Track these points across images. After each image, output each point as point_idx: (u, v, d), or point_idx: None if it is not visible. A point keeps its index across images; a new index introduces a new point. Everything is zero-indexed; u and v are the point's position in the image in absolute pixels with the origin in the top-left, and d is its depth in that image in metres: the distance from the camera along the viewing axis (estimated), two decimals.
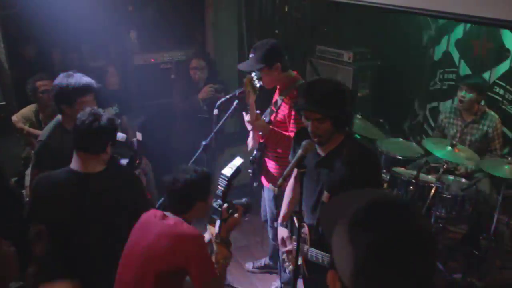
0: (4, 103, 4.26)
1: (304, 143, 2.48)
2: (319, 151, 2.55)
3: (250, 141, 3.54)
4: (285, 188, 3.05)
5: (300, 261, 2.71)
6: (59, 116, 3.13)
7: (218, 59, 5.31)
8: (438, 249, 1.04)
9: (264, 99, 3.52)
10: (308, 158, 2.55)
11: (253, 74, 3.12)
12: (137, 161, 3.19)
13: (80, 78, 3.01)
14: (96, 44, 5.01)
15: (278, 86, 3.38)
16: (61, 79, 3.02)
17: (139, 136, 3.23)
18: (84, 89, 3.01)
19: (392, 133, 4.71)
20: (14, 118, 3.98)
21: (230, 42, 5.40)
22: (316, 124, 2.41)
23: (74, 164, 2.54)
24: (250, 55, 3.19)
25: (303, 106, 2.46)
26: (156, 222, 2.31)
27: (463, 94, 3.99)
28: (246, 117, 3.20)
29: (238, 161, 2.64)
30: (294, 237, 2.73)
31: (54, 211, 2.53)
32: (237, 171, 2.60)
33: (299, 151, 2.47)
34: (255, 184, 3.61)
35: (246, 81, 3.06)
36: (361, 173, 2.36)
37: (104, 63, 4.54)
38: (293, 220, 2.78)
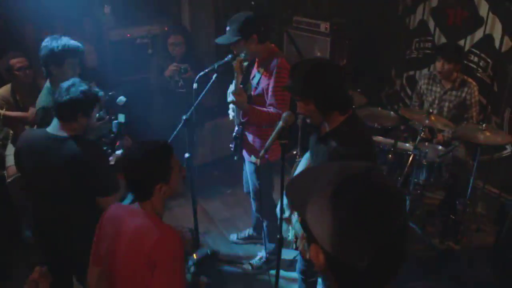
0: None
1: (284, 114, 2.51)
2: (322, 129, 2.55)
3: (231, 113, 3.56)
4: (265, 161, 3.10)
5: (292, 236, 2.78)
6: (47, 82, 3.21)
7: (194, 32, 5.25)
8: (405, 204, 1.13)
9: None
10: (312, 136, 2.63)
11: (242, 55, 3.16)
12: (116, 143, 3.25)
13: (69, 40, 3.11)
14: (69, 19, 4.90)
15: (256, 59, 3.38)
16: (50, 41, 3.09)
17: (121, 117, 3.32)
18: (73, 50, 3.11)
19: (370, 103, 4.76)
20: None
21: (206, 15, 5.34)
22: (301, 105, 2.41)
23: (51, 126, 2.67)
24: (227, 28, 3.17)
25: (287, 87, 2.48)
26: (123, 221, 2.07)
27: (441, 65, 4.03)
28: (230, 89, 3.20)
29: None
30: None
31: (23, 163, 2.74)
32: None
33: (280, 123, 2.50)
34: (235, 158, 3.64)
35: (237, 63, 3.07)
36: (354, 155, 2.32)
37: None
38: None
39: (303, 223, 1.15)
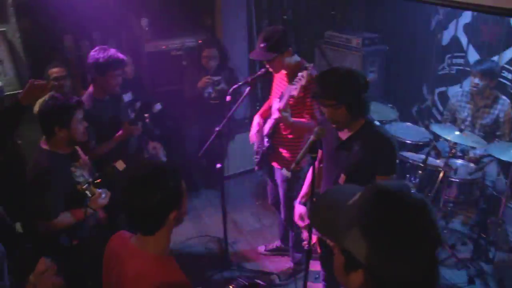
0: (21, 91, 4.33)
1: (316, 129, 2.56)
2: (340, 135, 2.64)
3: (253, 135, 3.62)
4: (298, 171, 3.16)
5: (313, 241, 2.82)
6: (90, 88, 3.41)
7: (227, 45, 5.34)
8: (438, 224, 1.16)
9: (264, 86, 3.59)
10: (330, 142, 2.69)
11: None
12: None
13: (115, 53, 3.30)
14: (108, 31, 5.07)
15: (284, 72, 3.42)
16: (98, 51, 3.29)
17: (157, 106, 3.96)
18: (116, 63, 3.29)
19: (401, 118, 4.77)
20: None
21: (239, 28, 5.43)
22: (332, 110, 2.49)
23: None
24: (261, 45, 3.22)
25: (318, 94, 2.54)
26: (124, 263, 1.82)
27: (476, 81, 4.01)
28: (276, 105, 3.24)
29: None
30: None
31: None
32: None
33: (311, 137, 2.56)
34: (285, 172, 3.68)
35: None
36: (378, 158, 2.47)
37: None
38: (312, 201, 2.86)
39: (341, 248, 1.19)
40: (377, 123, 2.63)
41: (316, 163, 2.99)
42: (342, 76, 2.49)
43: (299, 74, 3.01)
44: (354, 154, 2.55)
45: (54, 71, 3.98)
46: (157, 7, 5.25)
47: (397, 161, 2.71)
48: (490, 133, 4.05)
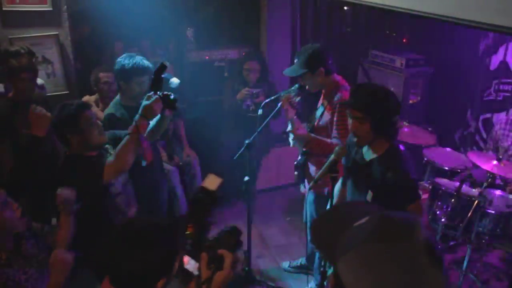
0: (67, 92, 4.54)
1: (336, 148, 2.55)
2: (365, 155, 2.61)
3: (291, 140, 3.63)
4: (319, 190, 3.13)
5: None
6: (118, 95, 3.45)
7: (271, 59, 5.39)
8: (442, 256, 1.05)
9: (313, 100, 3.59)
10: (355, 162, 2.67)
11: (291, 91, 3.27)
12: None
13: (141, 60, 3.31)
14: (156, 39, 5.23)
15: (323, 91, 3.42)
16: (124, 58, 3.32)
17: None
18: (142, 70, 3.28)
19: (442, 143, 4.62)
20: (85, 98, 4.26)
21: (284, 42, 5.46)
22: (356, 123, 2.48)
23: None
24: (295, 60, 3.25)
25: (348, 103, 2.54)
26: None
27: None
28: (289, 127, 3.27)
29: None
30: None
31: None
32: None
33: (332, 156, 2.54)
34: (301, 188, 3.68)
35: (284, 100, 3.14)
36: (396, 188, 2.42)
37: (162, 59, 4.72)
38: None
39: (334, 270, 1.13)
40: (401, 147, 2.57)
41: (339, 184, 2.98)
42: (375, 91, 2.49)
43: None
44: (375, 178, 2.52)
45: (104, 75, 4.13)
46: (204, 18, 5.37)
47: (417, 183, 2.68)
48: None
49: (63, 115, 2.60)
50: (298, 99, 3.20)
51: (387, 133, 2.51)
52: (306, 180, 3.59)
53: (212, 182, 2.12)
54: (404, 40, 5.46)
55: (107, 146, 2.87)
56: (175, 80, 3.69)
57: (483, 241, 3.79)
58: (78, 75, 4.66)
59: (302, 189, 3.51)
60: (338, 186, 2.97)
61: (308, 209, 3.67)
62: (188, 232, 1.79)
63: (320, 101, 3.47)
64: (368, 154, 2.60)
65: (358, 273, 1.05)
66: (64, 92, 4.51)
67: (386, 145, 2.52)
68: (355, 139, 2.55)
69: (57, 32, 4.44)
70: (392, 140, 2.54)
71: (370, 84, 2.70)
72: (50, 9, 4.32)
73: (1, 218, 2.11)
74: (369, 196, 2.57)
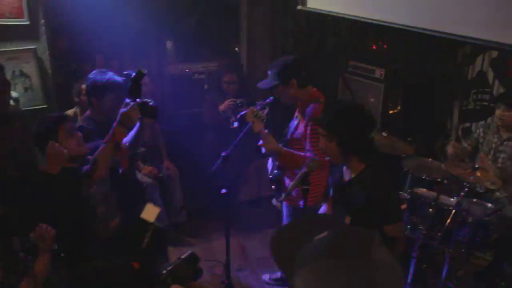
0: (46, 106, 4.51)
1: (307, 161, 2.53)
2: (344, 175, 2.58)
3: (270, 161, 3.61)
4: (295, 203, 3.12)
5: None
6: (88, 112, 3.40)
7: (251, 72, 5.40)
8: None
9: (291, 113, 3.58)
10: (335, 183, 2.65)
11: (257, 105, 3.28)
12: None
13: (113, 76, 3.28)
14: (137, 51, 5.22)
15: (298, 103, 3.41)
16: (95, 74, 3.29)
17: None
18: (114, 86, 3.25)
19: (423, 153, 4.62)
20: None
21: (264, 55, 5.48)
22: (324, 141, 2.45)
23: None
24: (268, 72, 3.25)
25: (317, 120, 2.52)
26: None
27: (502, 112, 3.86)
28: (260, 142, 3.26)
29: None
30: None
31: None
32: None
33: (303, 168, 2.53)
34: (273, 201, 3.66)
35: (248, 113, 3.14)
36: (378, 202, 2.37)
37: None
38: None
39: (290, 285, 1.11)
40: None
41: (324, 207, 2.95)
42: (343, 109, 2.45)
43: None
44: (355, 198, 2.45)
45: (84, 87, 4.11)
46: (184, 31, 5.37)
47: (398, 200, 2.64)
48: None
49: (42, 127, 2.68)
50: (265, 112, 3.18)
51: (358, 153, 2.43)
52: (282, 194, 3.57)
53: (150, 213, 2.20)
54: (383, 51, 5.49)
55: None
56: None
57: (462, 250, 3.80)
58: (59, 88, 4.64)
59: (273, 202, 3.49)
60: (324, 208, 2.94)
61: (285, 222, 3.66)
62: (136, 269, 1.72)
63: (295, 114, 3.46)
64: (346, 174, 2.56)
65: None
66: (42, 106, 4.49)
67: (361, 165, 2.45)
68: (327, 158, 2.53)
69: (34, 46, 4.43)
70: (366, 160, 2.46)
71: (342, 101, 2.67)
72: (28, 23, 4.31)
73: None
74: (346, 220, 2.53)
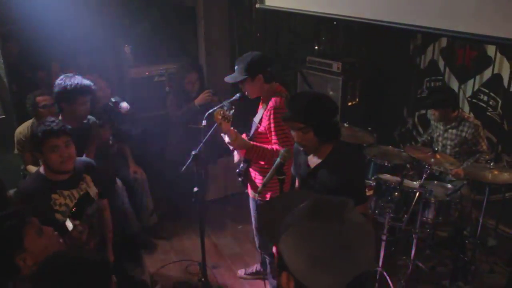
0: (4, 116, 4.38)
1: (282, 151, 2.60)
2: (310, 162, 2.64)
3: (235, 155, 3.66)
4: (262, 197, 3.21)
5: None
6: (59, 118, 3.36)
7: (210, 71, 5.43)
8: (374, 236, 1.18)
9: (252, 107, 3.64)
10: (301, 169, 2.69)
11: (224, 105, 3.34)
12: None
13: (81, 80, 3.31)
14: (93, 58, 5.14)
15: (261, 98, 3.47)
16: (63, 79, 3.30)
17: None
18: (84, 89, 3.30)
19: (383, 141, 4.80)
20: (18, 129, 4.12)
21: (222, 55, 5.53)
22: (300, 134, 2.50)
23: None
24: (235, 67, 3.30)
25: (287, 117, 2.57)
26: None
27: (432, 111, 4.16)
28: (226, 139, 3.31)
29: None
30: None
31: None
32: None
33: (277, 160, 2.59)
34: (245, 191, 3.72)
35: (216, 115, 3.18)
36: (345, 189, 2.40)
37: (97, 76, 4.64)
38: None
39: (277, 250, 1.23)
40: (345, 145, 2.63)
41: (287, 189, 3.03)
42: (310, 99, 2.51)
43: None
44: (323, 182, 2.52)
45: (42, 99, 3.96)
46: (141, 34, 5.34)
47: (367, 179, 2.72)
48: (461, 153, 4.11)
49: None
50: (232, 111, 3.25)
51: (330, 136, 2.53)
52: (248, 187, 3.64)
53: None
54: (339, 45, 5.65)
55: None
56: (124, 105, 3.82)
57: (428, 229, 3.98)
58: (14, 98, 4.51)
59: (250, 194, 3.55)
60: None
61: (252, 215, 3.72)
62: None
63: (259, 108, 3.52)
64: (312, 160, 2.63)
65: (295, 250, 1.16)
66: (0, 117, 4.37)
67: (329, 148, 2.55)
68: (301, 149, 2.59)
69: None
70: (335, 143, 2.56)
71: (304, 93, 2.76)
72: None
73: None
74: None
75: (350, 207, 1.21)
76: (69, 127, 2.79)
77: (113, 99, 3.90)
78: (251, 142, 3.30)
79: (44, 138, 2.65)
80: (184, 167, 3.51)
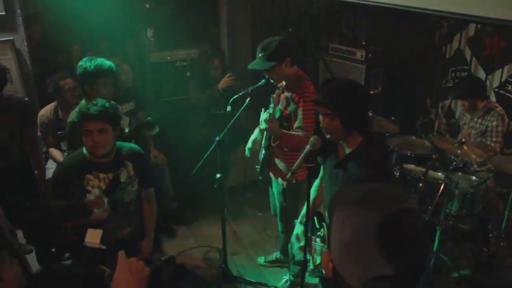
0: (27, 99, 4.39)
1: (312, 139, 2.55)
2: (339, 153, 2.58)
3: (250, 141, 3.65)
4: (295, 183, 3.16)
5: (318, 260, 2.77)
6: (83, 100, 3.38)
7: (232, 57, 5.39)
8: (427, 232, 1.14)
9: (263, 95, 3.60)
10: (329, 160, 2.64)
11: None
12: None
13: (103, 61, 3.30)
14: (113, 41, 5.13)
15: (284, 83, 3.42)
16: (85, 61, 3.30)
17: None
18: (105, 70, 3.28)
19: (405, 131, 4.74)
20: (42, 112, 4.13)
21: (244, 40, 5.47)
22: (327, 120, 2.45)
23: None
24: (259, 55, 3.24)
25: (316, 100, 2.52)
26: None
27: (461, 102, 4.12)
28: (263, 116, 3.25)
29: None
30: (313, 236, 2.79)
31: None
32: None
33: (307, 147, 2.54)
34: (259, 178, 3.69)
35: (276, 96, 3.21)
36: (373, 176, 2.34)
37: (120, 61, 4.63)
38: (313, 220, 2.83)
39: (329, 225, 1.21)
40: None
41: (317, 181, 2.99)
42: (341, 87, 2.45)
43: None
44: (351, 174, 2.45)
45: (64, 82, 3.99)
46: (163, 19, 5.31)
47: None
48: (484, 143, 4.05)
49: None
50: (248, 99, 3.31)
51: (359, 127, 2.46)
52: (271, 173, 3.62)
53: (92, 236, 2.36)
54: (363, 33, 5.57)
55: None
56: (155, 130, 4.11)
57: (451, 222, 3.93)
58: (36, 80, 4.52)
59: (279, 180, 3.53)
60: (316, 183, 2.98)
61: (277, 199, 3.70)
62: None
63: (279, 95, 3.44)
64: (341, 150, 2.58)
65: (334, 230, 1.15)
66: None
67: (359, 139, 2.48)
68: (328, 136, 2.54)
69: (12, 38, 4.29)
70: (365, 134, 2.49)
71: (338, 79, 2.69)
72: (3, 13, 4.18)
73: None
74: None
75: (408, 205, 1.13)
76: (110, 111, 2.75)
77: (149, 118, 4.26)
78: (282, 130, 3.26)
79: (80, 120, 2.72)
80: (208, 153, 3.50)
